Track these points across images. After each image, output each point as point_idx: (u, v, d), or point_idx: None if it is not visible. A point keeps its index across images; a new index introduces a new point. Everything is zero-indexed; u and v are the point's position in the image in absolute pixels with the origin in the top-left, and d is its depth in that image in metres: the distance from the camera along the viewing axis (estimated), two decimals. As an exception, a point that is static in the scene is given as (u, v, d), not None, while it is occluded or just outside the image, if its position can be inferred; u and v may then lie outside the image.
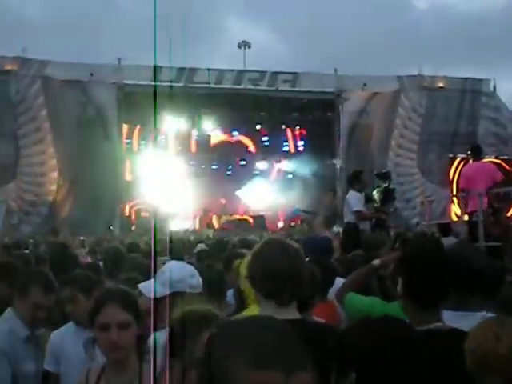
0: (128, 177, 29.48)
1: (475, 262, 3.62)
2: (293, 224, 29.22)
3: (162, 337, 2.59)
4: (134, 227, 27.99)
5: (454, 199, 12.14)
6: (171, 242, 11.81)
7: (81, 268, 6.60)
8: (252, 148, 33.82)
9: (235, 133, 33.35)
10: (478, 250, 3.88)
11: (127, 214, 28.73)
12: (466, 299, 3.55)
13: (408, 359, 2.23)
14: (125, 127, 29.17)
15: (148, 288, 3.97)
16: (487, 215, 9.69)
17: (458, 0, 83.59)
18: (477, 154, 12.31)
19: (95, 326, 3.37)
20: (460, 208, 12.68)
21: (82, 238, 17.83)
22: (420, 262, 3.32)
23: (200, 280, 4.10)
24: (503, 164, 26.29)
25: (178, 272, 4.02)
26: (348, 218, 11.58)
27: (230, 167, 34.06)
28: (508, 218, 14.58)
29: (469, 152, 13.13)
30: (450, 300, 3.67)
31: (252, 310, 4.05)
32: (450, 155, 29.25)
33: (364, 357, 2.07)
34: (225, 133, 33.17)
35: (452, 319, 3.40)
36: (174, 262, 4.33)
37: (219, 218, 31.53)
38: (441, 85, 30.56)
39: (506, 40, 68.42)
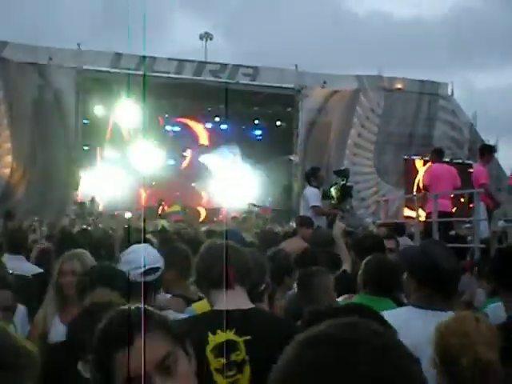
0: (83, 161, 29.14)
1: (442, 263, 3.65)
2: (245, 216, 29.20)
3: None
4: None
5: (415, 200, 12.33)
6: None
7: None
8: (209, 141, 33.65)
9: (192, 122, 33.18)
10: (445, 251, 3.89)
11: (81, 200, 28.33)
12: (430, 298, 3.59)
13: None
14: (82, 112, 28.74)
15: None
16: None
17: (393, 8, 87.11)
18: (439, 155, 12.50)
19: None
20: (416, 211, 12.78)
21: (36, 218, 17.60)
22: None
23: (139, 270, 4.10)
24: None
25: (126, 260, 4.18)
26: (305, 213, 11.63)
27: (186, 159, 33.90)
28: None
29: (430, 153, 13.29)
30: (416, 297, 3.72)
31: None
32: (405, 156, 29.55)
33: None
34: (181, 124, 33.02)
35: (422, 317, 3.46)
36: (139, 247, 4.36)
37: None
38: (399, 86, 30.80)
39: (458, 47, 70.09)
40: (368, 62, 55.42)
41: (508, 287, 4.16)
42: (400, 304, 4.53)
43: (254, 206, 28.22)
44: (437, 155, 12.59)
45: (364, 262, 4.72)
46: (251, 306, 3.23)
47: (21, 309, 4.46)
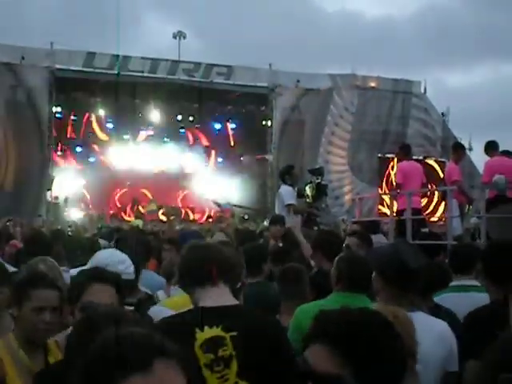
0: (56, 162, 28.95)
1: (410, 263, 3.69)
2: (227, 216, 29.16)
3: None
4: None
5: (386, 198, 12.46)
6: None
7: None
8: (183, 139, 33.51)
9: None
10: (414, 250, 3.94)
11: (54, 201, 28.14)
12: (398, 298, 3.63)
13: None
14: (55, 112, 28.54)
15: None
16: None
17: (363, 6, 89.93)
18: (407, 152, 12.60)
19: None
20: (389, 208, 12.89)
21: (9, 219, 17.51)
22: None
23: (131, 267, 4.15)
24: (433, 165, 27.01)
25: (107, 258, 4.12)
26: (281, 212, 11.68)
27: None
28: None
29: (398, 151, 13.41)
30: (383, 297, 3.76)
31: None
32: (379, 154, 29.75)
33: None
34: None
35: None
36: (105, 250, 4.40)
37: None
38: (373, 84, 30.98)
39: (429, 45, 70.89)
40: (341, 60, 55.64)
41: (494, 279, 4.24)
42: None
43: (236, 206, 28.25)
44: (404, 152, 12.69)
45: (336, 259, 4.76)
46: (235, 302, 3.29)
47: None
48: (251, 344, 3.07)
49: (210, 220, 29.98)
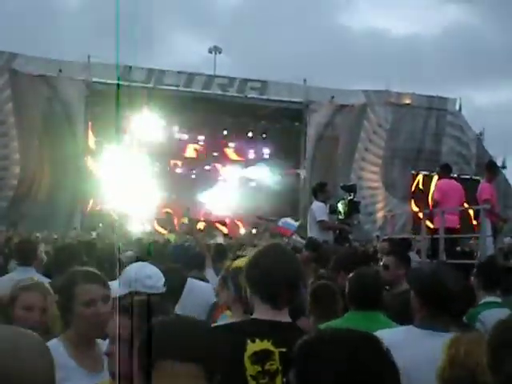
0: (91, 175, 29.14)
1: (449, 285, 3.69)
2: (254, 231, 29.12)
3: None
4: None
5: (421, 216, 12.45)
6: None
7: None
8: (216, 154, 33.61)
9: (201, 137, 33.21)
10: (453, 272, 3.94)
11: (89, 212, 28.32)
12: (435, 319, 3.63)
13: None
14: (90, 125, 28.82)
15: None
16: None
17: (388, 26, 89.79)
18: (447, 171, 12.49)
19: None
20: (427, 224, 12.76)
21: (37, 234, 17.65)
22: None
23: (160, 281, 4.16)
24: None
25: (136, 272, 4.13)
26: (312, 227, 11.66)
27: (194, 171, 33.89)
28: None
29: (438, 169, 13.29)
30: (419, 317, 3.75)
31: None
32: (413, 171, 29.60)
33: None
34: (190, 137, 33.06)
35: (418, 337, 3.50)
36: (135, 263, 4.42)
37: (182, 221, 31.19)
38: (407, 101, 30.88)
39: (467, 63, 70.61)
40: (374, 77, 55.61)
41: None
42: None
43: (261, 219, 28.17)
44: (444, 171, 12.58)
45: (348, 278, 4.78)
46: (289, 320, 3.30)
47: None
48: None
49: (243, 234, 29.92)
